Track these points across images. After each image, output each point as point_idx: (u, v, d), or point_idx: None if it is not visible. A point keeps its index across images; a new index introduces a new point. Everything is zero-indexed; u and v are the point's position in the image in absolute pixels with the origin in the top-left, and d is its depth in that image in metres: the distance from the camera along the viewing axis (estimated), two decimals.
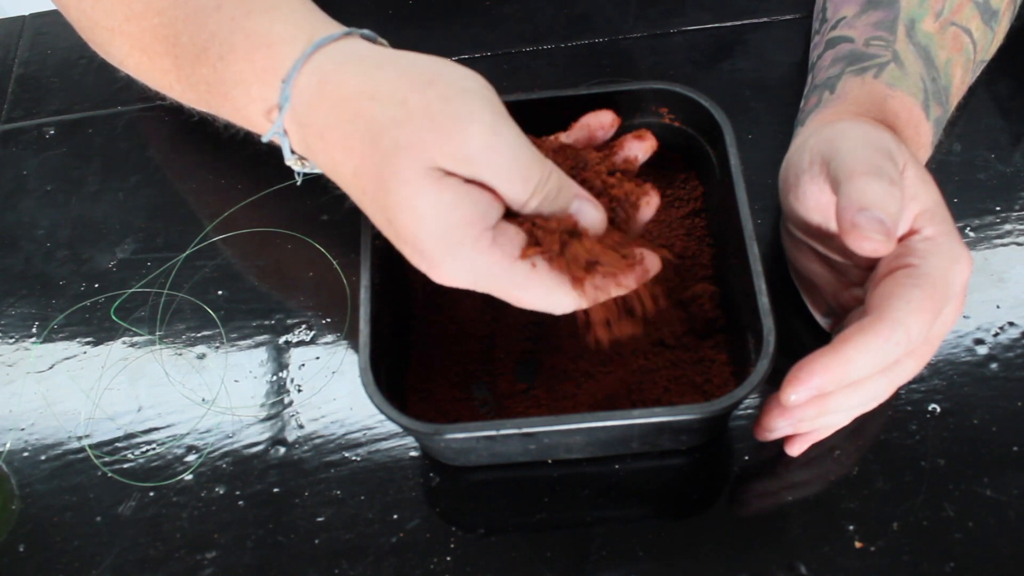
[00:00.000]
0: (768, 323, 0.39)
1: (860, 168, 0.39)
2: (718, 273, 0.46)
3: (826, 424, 0.42)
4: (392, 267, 0.45)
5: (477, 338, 0.47)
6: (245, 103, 0.41)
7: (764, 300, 0.40)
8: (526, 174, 0.36)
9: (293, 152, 0.41)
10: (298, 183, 0.43)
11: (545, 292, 0.37)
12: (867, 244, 0.37)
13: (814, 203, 0.42)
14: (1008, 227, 0.49)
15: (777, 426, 0.41)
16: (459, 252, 0.36)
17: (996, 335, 0.46)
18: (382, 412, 0.39)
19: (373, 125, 0.36)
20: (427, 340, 0.47)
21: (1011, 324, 0.46)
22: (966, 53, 0.47)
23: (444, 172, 0.35)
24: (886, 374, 0.39)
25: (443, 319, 0.47)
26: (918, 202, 0.40)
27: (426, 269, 0.37)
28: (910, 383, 0.45)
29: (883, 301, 0.38)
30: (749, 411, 0.45)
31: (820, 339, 0.46)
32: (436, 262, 0.36)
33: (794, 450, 0.42)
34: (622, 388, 0.44)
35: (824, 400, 0.39)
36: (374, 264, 0.43)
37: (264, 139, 0.41)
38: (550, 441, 0.42)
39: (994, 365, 0.45)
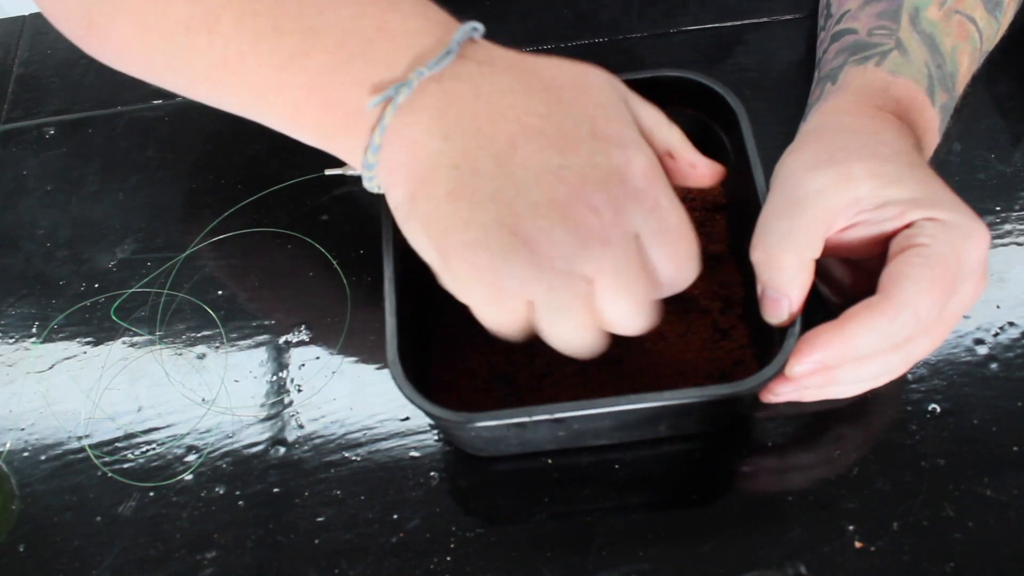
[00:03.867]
0: None
1: (762, 240, 0.40)
2: (738, 258, 0.47)
3: (835, 394, 0.42)
4: (412, 260, 0.45)
5: None
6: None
7: None
8: None
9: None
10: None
11: None
12: (771, 320, 0.40)
13: None
14: (1008, 227, 0.49)
15: (782, 391, 0.40)
16: None
17: (996, 335, 0.46)
18: (413, 403, 0.39)
19: None
20: (448, 332, 0.47)
21: (1011, 324, 0.46)
22: (972, 41, 0.47)
23: None
24: (898, 351, 0.39)
25: (463, 310, 0.47)
26: (902, 190, 0.40)
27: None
28: (910, 383, 0.45)
29: (892, 281, 0.38)
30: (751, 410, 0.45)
31: None
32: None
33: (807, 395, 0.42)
34: (642, 374, 0.44)
35: (830, 372, 0.39)
36: (395, 257, 0.43)
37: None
38: (580, 427, 0.42)
39: (994, 365, 0.45)
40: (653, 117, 0.40)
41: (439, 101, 0.36)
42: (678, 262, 0.38)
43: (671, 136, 0.40)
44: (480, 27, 0.38)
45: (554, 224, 0.35)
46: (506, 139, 0.36)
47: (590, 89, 0.38)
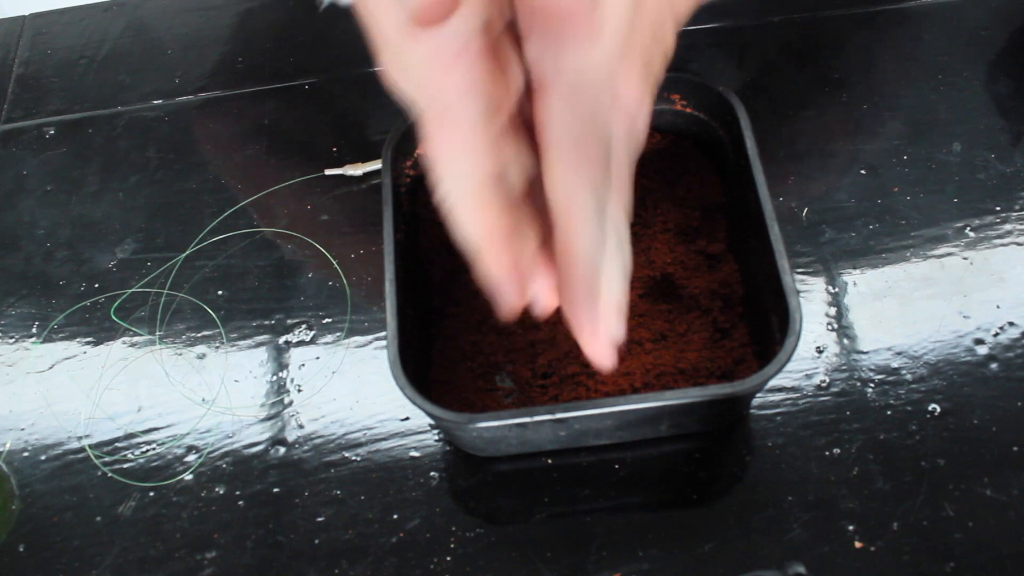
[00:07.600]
0: (794, 301, 0.40)
1: None
2: (737, 258, 0.47)
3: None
4: (411, 261, 0.45)
5: (496, 328, 0.47)
6: None
7: (788, 279, 0.40)
8: None
9: None
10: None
11: None
12: None
13: None
14: (1008, 227, 0.49)
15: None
16: None
17: (996, 335, 0.46)
18: (414, 403, 0.39)
19: None
20: (447, 333, 0.47)
21: (1011, 324, 0.46)
22: None
23: None
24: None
25: (462, 311, 0.48)
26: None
27: None
28: (910, 383, 0.45)
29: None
30: (751, 410, 0.45)
31: (829, 324, 0.46)
32: None
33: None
34: (643, 373, 0.44)
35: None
36: (395, 257, 0.43)
37: None
38: (581, 427, 0.42)
39: (994, 365, 0.45)
40: None
41: None
42: None
43: None
44: None
45: None
46: None
47: None
